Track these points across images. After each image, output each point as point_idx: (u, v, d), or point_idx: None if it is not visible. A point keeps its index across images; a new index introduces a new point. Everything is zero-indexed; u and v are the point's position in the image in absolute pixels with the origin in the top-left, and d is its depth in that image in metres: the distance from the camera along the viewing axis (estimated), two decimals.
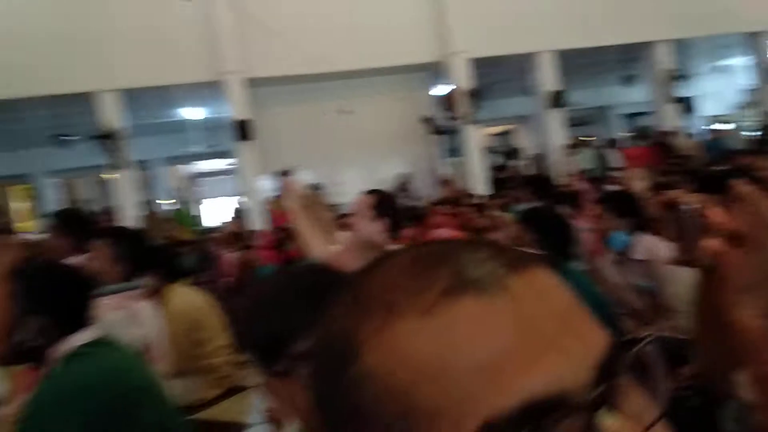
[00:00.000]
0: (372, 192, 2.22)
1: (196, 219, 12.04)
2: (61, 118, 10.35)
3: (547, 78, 9.64)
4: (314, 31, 8.80)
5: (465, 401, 0.34)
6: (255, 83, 8.81)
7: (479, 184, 9.17)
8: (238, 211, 8.99)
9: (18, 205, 14.08)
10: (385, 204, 2.17)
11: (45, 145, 11.84)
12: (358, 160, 9.66)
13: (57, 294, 1.57)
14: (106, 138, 8.70)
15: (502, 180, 9.24)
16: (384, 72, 9.37)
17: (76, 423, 1.46)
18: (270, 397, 0.99)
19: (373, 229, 2.10)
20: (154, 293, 2.49)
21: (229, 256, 6.19)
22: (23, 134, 11.18)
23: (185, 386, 2.73)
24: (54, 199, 13.42)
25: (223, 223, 8.20)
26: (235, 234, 6.86)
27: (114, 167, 8.98)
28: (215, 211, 13.28)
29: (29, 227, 13.04)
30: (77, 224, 2.59)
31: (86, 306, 1.62)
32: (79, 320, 1.58)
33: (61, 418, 1.46)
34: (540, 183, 5.03)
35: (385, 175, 9.04)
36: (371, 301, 0.38)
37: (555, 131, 9.76)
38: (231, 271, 5.94)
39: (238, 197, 9.90)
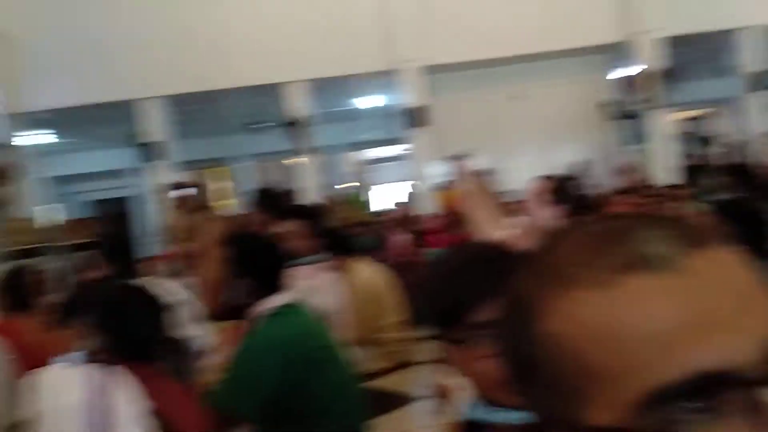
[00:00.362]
0: (549, 178, 2.19)
1: (370, 202, 12.57)
2: (254, 108, 11.39)
3: (751, 57, 8.58)
4: (490, 15, 8.71)
5: (634, 369, 0.36)
6: (430, 70, 8.96)
7: (666, 173, 8.46)
8: (409, 196, 9.25)
9: (217, 186, 15.80)
10: (562, 190, 2.13)
11: (240, 132, 13.13)
12: (532, 147, 9.41)
13: (261, 261, 1.78)
14: (293, 125, 9.43)
15: (694, 169, 8.44)
16: (562, 54, 9.01)
17: (272, 373, 1.66)
18: (447, 366, 1.04)
19: (548, 215, 2.08)
20: (338, 267, 2.69)
21: (400, 239, 6.42)
22: (221, 122, 12.49)
23: (359, 356, 2.91)
24: (247, 181, 14.84)
25: (395, 206, 8.49)
26: (406, 217, 7.09)
27: (299, 153, 9.71)
28: (387, 195, 13.76)
29: (227, 205, 14.60)
30: (273, 202, 2.87)
31: (282, 273, 1.83)
32: (277, 285, 1.78)
33: (260, 368, 1.67)
34: (739, 173, 4.54)
35: (559, 162, 8.71)
36: (553, 271, 0.42)
37: (759, 116, 8.68)
38: (401, 252, 6.16)
39: (409, 182, 10.17)
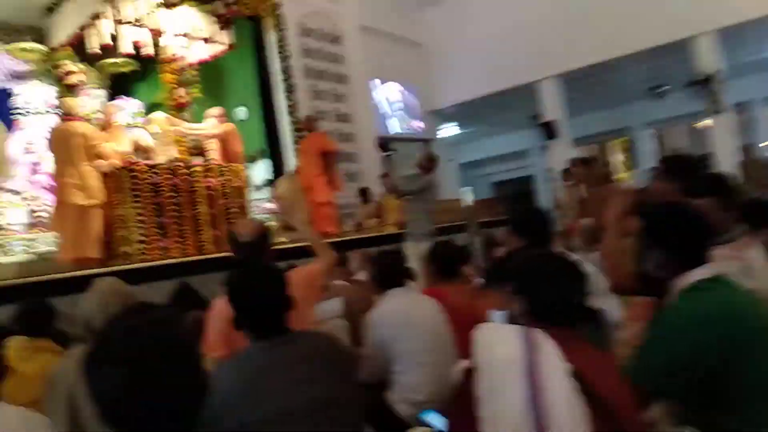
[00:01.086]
0: None
1: None
2: (656, 70, 10.60)
3: None
4: None
5: None
6: None
7: None
8: None
9: (616, 158, 15.30)
10: None
11: (640, 98, 12.42)
12: None
13: (677, 232, 1.65)
14: (701, 83, 8.45)
15: None
16: None
17: (689, 352, 1.53)
18: None
19: None
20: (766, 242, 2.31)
21: None
22: (621, 90, 12.00)
23: None
24: (647, 150, 13.96)
25: None
26: None
27: (709, 113, 8.66)
28: None
29: (626, 177, 14.04)
30: (684, 170, 2.61)
31: (704, 246, 1.66)
32: (697, 258, 1.63)
33: (676, 346, 1.55)
34: None
35: None
36: None
37: None
38: None
39: None
